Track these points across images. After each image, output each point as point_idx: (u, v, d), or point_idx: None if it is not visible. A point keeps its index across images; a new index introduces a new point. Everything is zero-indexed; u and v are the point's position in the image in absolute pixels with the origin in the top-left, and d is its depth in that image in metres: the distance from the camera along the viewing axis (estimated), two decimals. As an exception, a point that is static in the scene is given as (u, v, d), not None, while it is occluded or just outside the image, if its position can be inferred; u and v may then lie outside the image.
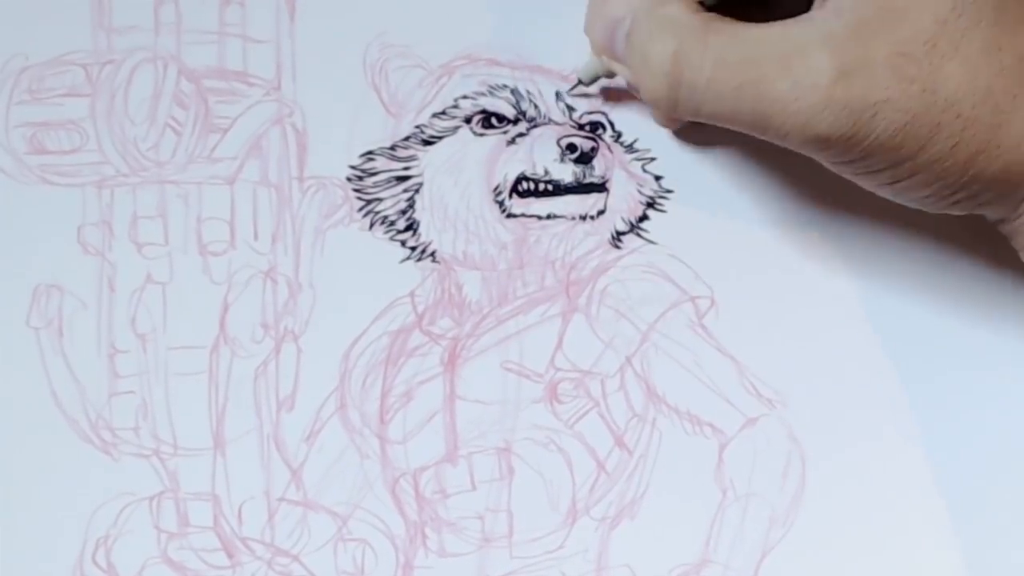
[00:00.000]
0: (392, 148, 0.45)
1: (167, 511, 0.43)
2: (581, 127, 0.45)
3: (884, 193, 0.37)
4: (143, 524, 0.43)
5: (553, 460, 0.44)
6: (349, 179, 0.45)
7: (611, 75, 0.43)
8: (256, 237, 0.44)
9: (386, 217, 0.45)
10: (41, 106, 0.45)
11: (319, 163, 0.45)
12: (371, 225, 0.45)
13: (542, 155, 0.44)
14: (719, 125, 0.38)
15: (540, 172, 0.45)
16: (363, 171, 0.45)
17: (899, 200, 0.38)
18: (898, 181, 0.36)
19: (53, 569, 0.43)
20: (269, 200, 0.45)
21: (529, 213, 0.45)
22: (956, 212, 0.38)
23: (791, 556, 0.43)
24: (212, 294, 0.44)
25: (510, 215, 0.45)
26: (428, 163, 0.45)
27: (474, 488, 0.44)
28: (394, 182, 0.45)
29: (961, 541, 0.43)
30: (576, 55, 0.45)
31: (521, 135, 0.45)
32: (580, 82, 0.44)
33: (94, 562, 0.43)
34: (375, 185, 0.45)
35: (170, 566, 0.43)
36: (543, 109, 0.45)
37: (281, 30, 0.45)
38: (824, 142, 0.35)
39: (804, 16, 0.36)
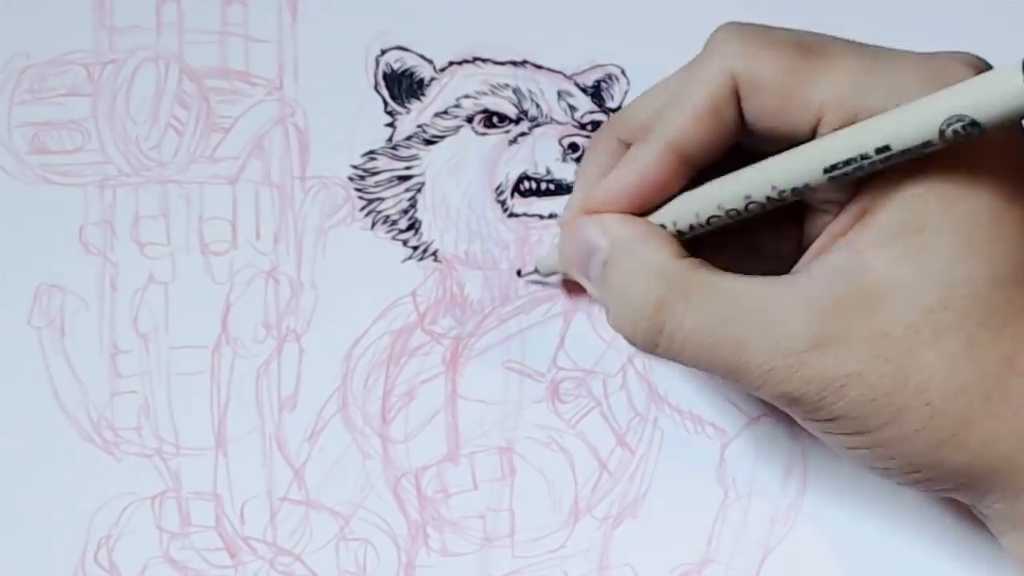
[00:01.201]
0: (394, 147, 0.45)
1: (169, 511, 0.43)
2: (583, 126, 0.45)
3: (847, 457, 0.37)
4: (145, 524, 0.43)
5: (555, 459, 0.44)
6: (351, 179, 0.45)
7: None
8: (258, 237, 0.44)
9: (388, 216, 0.45)
10: (43, 106, 0.45)
11: (321, 163, 0.45)
12: (373, 225, 0.45)
13: (544, 154, 0.45)
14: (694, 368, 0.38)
15: (542, 171, 0.45)
16: (365, 171, 0.45)
17: (862, 467, 0.37)
18: (859, 448, 0.36)
19: (55, 569, 0.43)
20: (271, 200, 0.45)
21: (531, 212, 0.45)
22: (921, 492, 0.38)
23: (793, 555, 0.43)
24: (214, 294, 0.44)
25: (512, 214, 0.45)
26: (430, 163, 0.45)
27: (476, 488, 0.44)
28: (396, 182, 0.45)
29: (961, 540, 0.43)
30: (578, 55, 0.45)
31: (523, 134, 0.45)
32: (536, 271, 0.44)
33: (96, 562, 0.43)
34: (377, 185, 0.45)
35: (172, 566, 0.43)
36: (545, 108, 0.45)
37: (283, 30, 0.45)
38: (793, 402, 0.35)
39: (788, 278, 0.36)
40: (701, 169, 0.37)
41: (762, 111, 0.35)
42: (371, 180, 0.45)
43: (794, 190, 0.35)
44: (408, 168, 0.45)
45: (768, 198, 0.35)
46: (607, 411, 0.44)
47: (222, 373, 0.44)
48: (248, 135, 0.45)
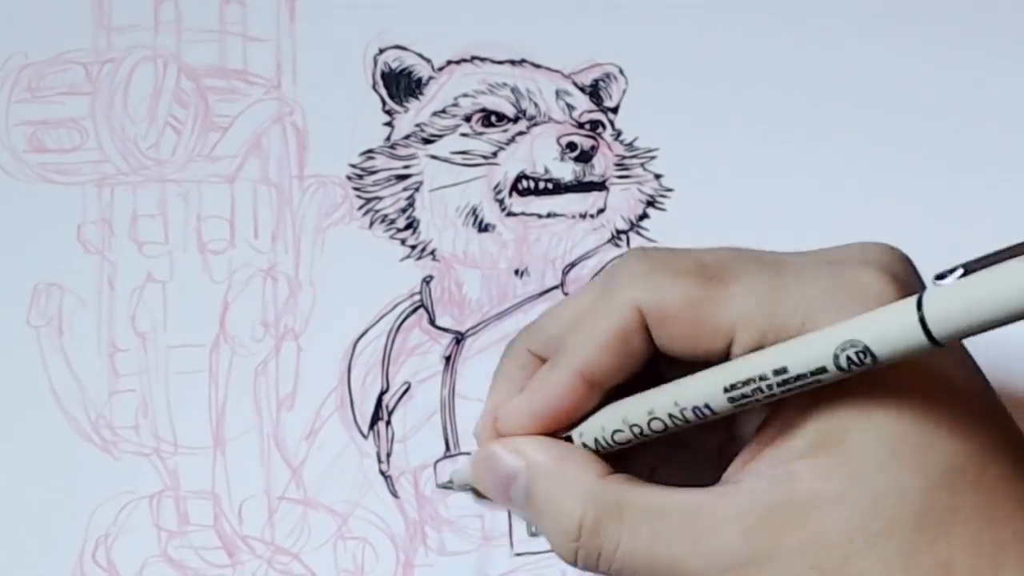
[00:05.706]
0: (392, 147, 0.45)
1: (167, 509, 0.43)
2: (581, 125, 0.45)
3: None
4: (143, 522, 0.43)
5: (553, 458, 0.44)
6: (349, 177, 0.45)
7: None
8: (256, 235, 0.44)
9: (386, 215, 0.45)
10: (41, 104, 0.45)
11: (319, 161, 0.45)
12: (371, 223, 0.45)
13: (542, 153, 0.45)
14: None
15: (540, 170, 0.45)
16: (363, 169, 0.45)
17: None
18: None
19: (54, 567, 0.43)
20: (269, 198, 0.45)
21: (529, 211, 0.45)
22: None
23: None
24: (212, 292, 0.44)
25: (510, 213, 0.45)
26: (428, 161, 0.45)
27: (474, 486, 0.44)
28: (394, 180, 0.45)
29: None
30: (576, 54, 0.45)
31: (521, 133, 0.45)
32: (450, 482, 0.42)
33: (94, 560, 0.43)
34: (375, 183, 0.45)
35: (170, 564, 0.43)
36: (543, 107, 0.45)
37: (281, 29, 0.45)
38: None
39: (718, 489, 0.35)
40: (615, 387, 0.36)
41: (672, 339, 0.35)
42: (369, 179, 0.45)
43: (695, 410, 0.34)
44: (406, 167, 0.45)
45: (670, 415, 0.34)
46: (605, 410, 0.44)
47: (220, 372, 0.44)
48: (246, 134, 0.45)
